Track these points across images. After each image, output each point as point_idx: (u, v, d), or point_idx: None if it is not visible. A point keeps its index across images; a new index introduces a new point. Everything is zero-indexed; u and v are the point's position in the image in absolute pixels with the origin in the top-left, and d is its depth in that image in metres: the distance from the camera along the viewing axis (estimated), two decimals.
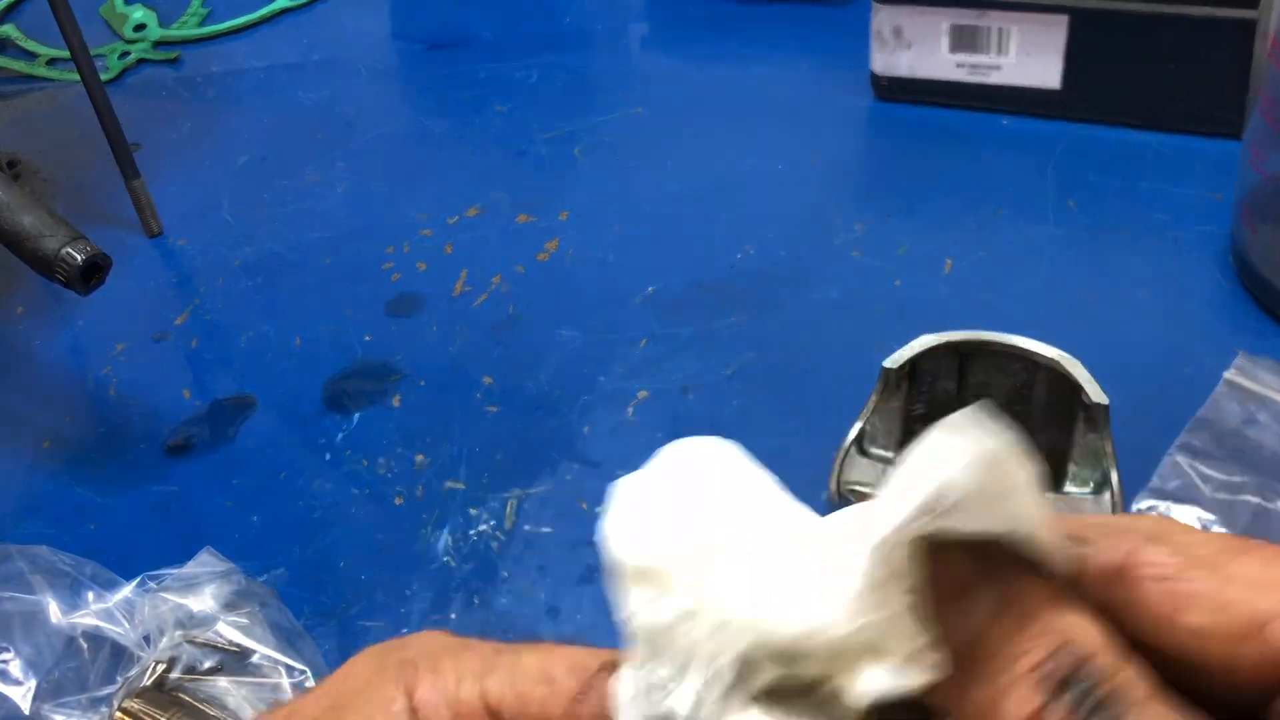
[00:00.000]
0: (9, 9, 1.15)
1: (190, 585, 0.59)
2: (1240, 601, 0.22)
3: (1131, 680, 0.20)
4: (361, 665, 0.31)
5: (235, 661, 0.57)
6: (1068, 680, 0.20)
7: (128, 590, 0.59)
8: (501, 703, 0.30)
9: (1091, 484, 0.54)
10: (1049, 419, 0.55)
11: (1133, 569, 0.23)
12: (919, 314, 0.74)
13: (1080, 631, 0.21)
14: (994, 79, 0.87)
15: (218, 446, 0.72)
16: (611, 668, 0.29)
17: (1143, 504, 0.57)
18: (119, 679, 0.57)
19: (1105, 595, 0.23)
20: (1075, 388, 0.53)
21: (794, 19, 1.02)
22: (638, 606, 0.25)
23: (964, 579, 0.22)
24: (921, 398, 0.56)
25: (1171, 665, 0.23)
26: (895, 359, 0.54)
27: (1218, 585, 0.22)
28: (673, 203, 0.85)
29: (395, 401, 0.73)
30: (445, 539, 0.65)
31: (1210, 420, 0.61)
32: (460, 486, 0.67)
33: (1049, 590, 0.22)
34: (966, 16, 0.85)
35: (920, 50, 0.88)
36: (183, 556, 0.61)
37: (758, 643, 0.23)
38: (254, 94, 1.02)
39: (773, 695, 0.23)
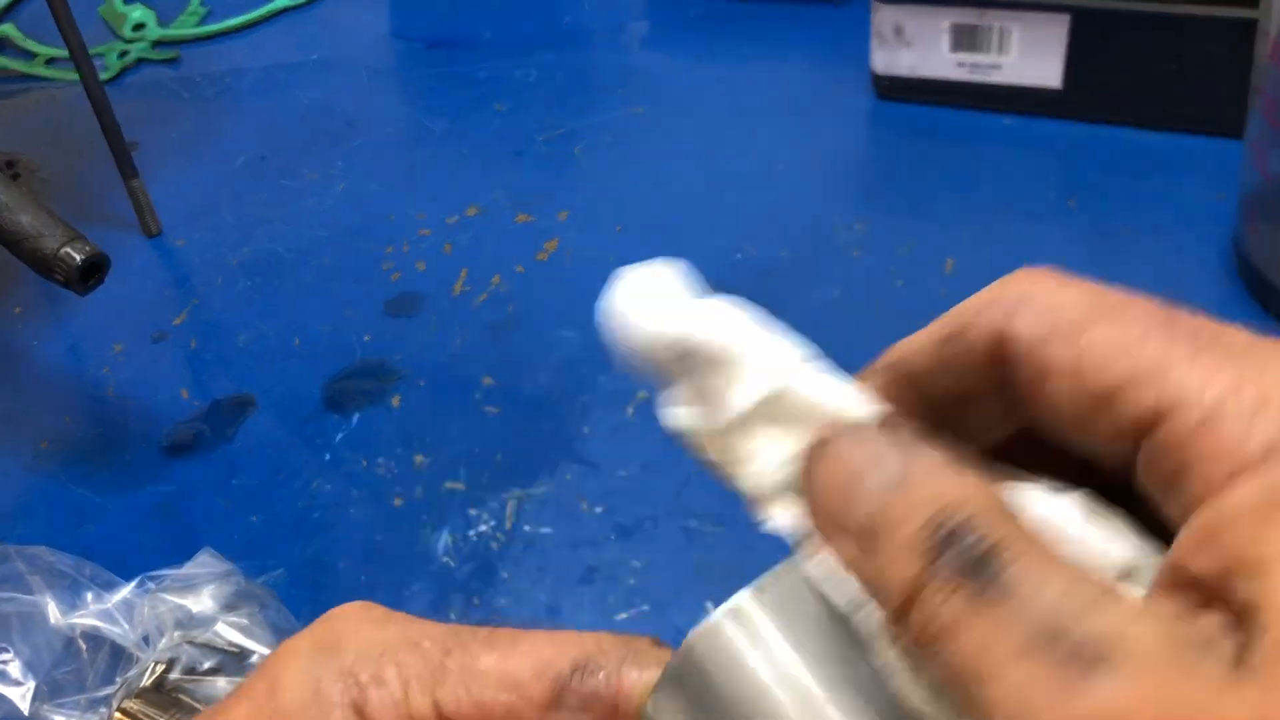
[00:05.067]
0: (8, 8, 1.14)
1: (189, 586, 0.59)
2: (1093, 371, 0.22)
3: (1011, 536, 0.20)
4: (293, 676, 0.28)
5: (234, 662, 0.57)
6: (946, 542, 0.20)
7: (127, 591, 0.59)
8: (458, 714, 0.27)
9: None
10: None
11: (1004, 345, 0.23)
12: (920, 314, 0.74)
13: (963, 493, 0.21)
14: (995, 78, 0.87)
15: (217, 447, 0.71)
16: (583, 668, 0.27)
17: None
18: (118, 680, 0.57)
19: (996, 375, 0.24)
20: None
21: (794, 18, 1.02)
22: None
23: (870, 458, 0.22)
24: None
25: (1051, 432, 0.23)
26: None
27: (1074, 355, 0.22)
28: (673, 202, 0.85)
29: (395, 402, 0.73)
30: (445, 539, 0.64)
31: None
32: (460, 487, 0.67)
33: (935, 460, 0.22)
34: (967, 15, 0.85)
35: (921, 49, 0.88)
36: (182, 557, 0.61)
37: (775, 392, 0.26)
38: (253, 93, 1.02)
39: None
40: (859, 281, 0.77)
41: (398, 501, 0.67)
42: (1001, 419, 0.25)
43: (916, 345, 0.26)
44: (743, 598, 0.24)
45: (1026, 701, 0.18)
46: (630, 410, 0.70)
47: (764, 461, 0.26)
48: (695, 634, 0.24)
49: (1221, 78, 0.81)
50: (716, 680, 0.24)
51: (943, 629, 0.20)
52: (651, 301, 0.27)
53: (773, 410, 0.26)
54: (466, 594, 0.62)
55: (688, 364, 0.27)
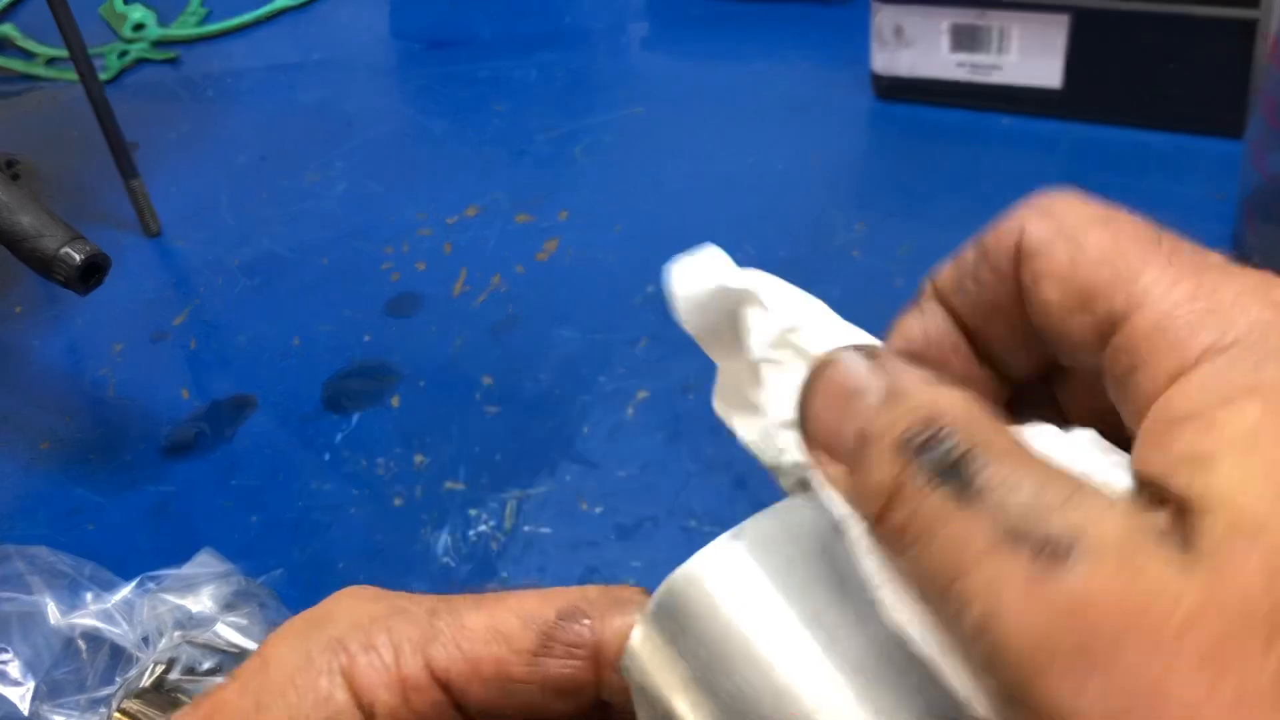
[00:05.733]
0: (8, 8, 1.15)
1: (189, 586, 0.59)
2: (1078, 271, 0.23)
3: (988, 441, 0.21)
4: (284, 651, 0.28)
5: (234, 662, 0.57)
6: (924, 447, 0.21)
7: (126, 591, 0.59)
8: (450, 672, 0.27)
9: None
10: None
11: (1020, 252, 0.25)
12: None
13: (944, 404, 0.22)
14: (995, 78, 0.87)
15: (216, 447, 0.71)
16: (569, 616, 0.27)
17: None
18: (118, 680, 0.57)
19: (1018, 288, 0.25)
20: None
21: (794, 18, 1.02)
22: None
23: (858, 379, 0.24)
24: None
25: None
26: None
27: (1066, 256, 0.23)
28: (673, 203, 0.85)
29: (394, 402, 0.73)
30: (445, 539, 0.64)
31: None
32: (460, 487, 0.67)
33: (920, 376, 0.23)
34: (967, 16, 0.85)
35: (921, 49, 0.88)
36: (181, 557, 0.61)
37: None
38: (253, 94, 1.02)
39: None
40: (858, 281, 0.77)
41: (398, 501, 0.67)
42: (1026, 344, 0.25)
43: (953, 264, 0.27)
44: (721, 540, 0.25)
45: (997, 594, 0.19)
46: (630, 410, 0.70)
47: (777, 397, 0.27)
48: (674, 576, 0.25)
49: (1221, 78, 0.81)
50: (695, 619, 0.25)
51: (919, 529, 0.20)
52: (708, 270, 0.29)
53: (784, 351, 0.28)
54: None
55: (731, 320, 0.29)
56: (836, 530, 0.24)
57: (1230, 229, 0.75)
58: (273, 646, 0.28)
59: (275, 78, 1.03)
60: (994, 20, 0.85)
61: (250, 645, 0.57)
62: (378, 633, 0.28)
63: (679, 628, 0.25)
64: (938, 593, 0.20)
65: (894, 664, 0.23)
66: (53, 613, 0.59)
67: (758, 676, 0.24)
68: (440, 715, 0.28)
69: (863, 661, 0.23)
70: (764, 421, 0.28)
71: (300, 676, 0.27)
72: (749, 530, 0.25)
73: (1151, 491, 0.20)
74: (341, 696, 0.27)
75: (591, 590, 0.28)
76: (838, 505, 0.23)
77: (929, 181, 0.85)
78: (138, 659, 0.57)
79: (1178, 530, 0.19)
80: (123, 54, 1.07)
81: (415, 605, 0.29)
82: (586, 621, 0.27)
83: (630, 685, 0.26)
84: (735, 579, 0.25)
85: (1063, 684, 0.18)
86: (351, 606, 0.29)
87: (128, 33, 1.09)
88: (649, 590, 0.28)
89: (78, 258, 0.66)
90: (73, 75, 0.93)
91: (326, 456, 0.70)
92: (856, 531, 0.23)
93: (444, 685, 0.27)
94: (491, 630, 0.28)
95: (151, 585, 0.59)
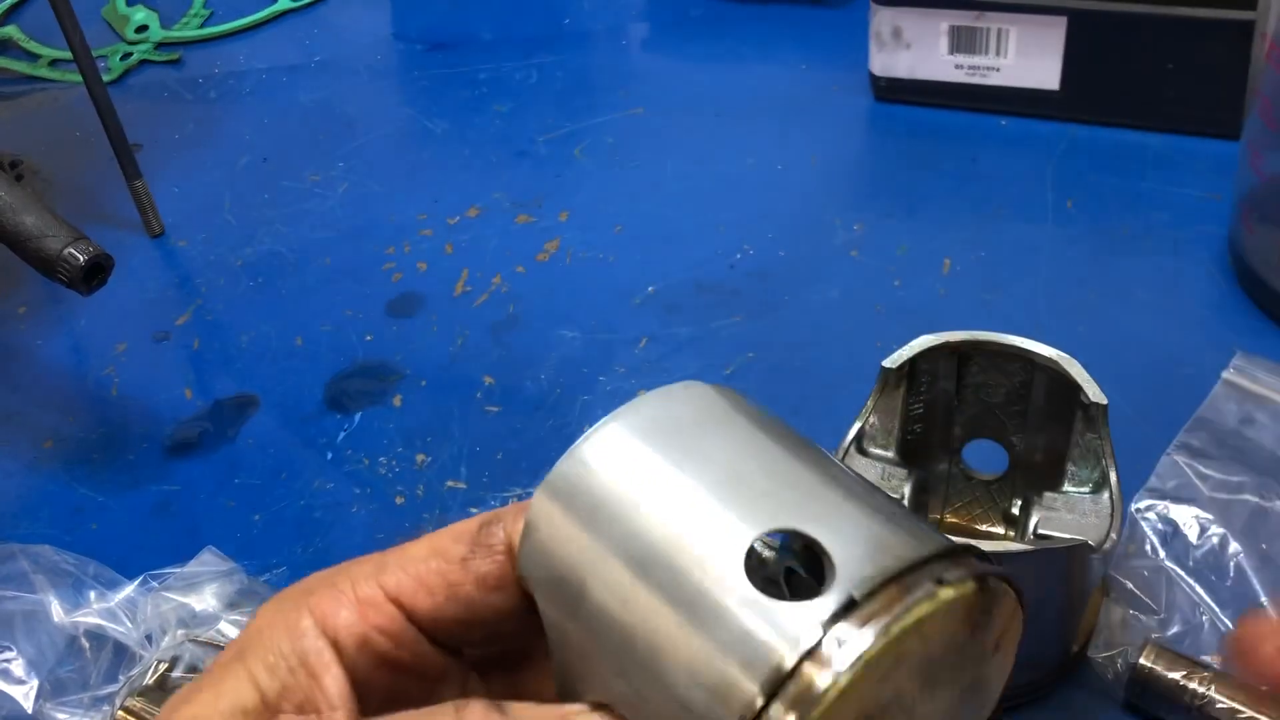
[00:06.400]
0: (11, 10, 1.15)
1: (192, 584, 0.59)
2: None
3: None
4: (261, 612, 0.33)
5: None
6: None
7: (130, 589, 0.60)
8: (400, 590, 0.32)
9: (1090, 484, 0.54)
10: (1047, 419, 0.56)
11: None
12: (918, 314, 0.74)
13: None
14: (993, 80, 0.87)
15: (219, 446, 0.72)
16: (488, 522, 0.32)
17: (1141, 503, 0.57)
18: (121, 678, 0.57)
19: None
20: (1074, 387, 0.53)
21: (793, 20, 1.02)
22: None
23: None
24: (920, 398, 0.56)
25: None
26: (894, 359, 0.55)
27: None
28: (672, 203, 0.86)
29: (396, 401, 0.73)
30: None
31: (1208, 420, 0.61)
32: (461, 486, 0.68)
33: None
34: (965, 18, 0.86)
35: (919, 51, 0.88)
36: (185, 556, 0.61)
37: None
38: (255, 95, 1.02)
39: None
40: (857, 282, 0.77)
41: (399, 500, 0.67)
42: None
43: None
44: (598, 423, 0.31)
45: None
46: None
47: None
48: (559, 461, 0.31)
49: (1218, 79, 0.82)
50: (583, 481, 0.30)
51: None
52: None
53: None
54: None
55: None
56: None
57: (1226, 230, 0.76)
58: (255, 614, 0.33)
59: (277, 79, 1.04)
60: (992, 22, 0.85)
61: None
62: (338, 575, 0.33)
63: (571, 492, 0.30)
64: None
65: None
66: (56, 611, 0.59)
67: (650, 510, 0.29)
68: (396, 629, 0.32)
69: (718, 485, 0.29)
70: None
71: (272, 620, 0.32)
72: (625, 412, 0.31)
73: None
74: (307, 623, 0.32)
75: (505, 508, 0.33)
76: None
77: (927, 182, 0.85)
78: (141, 657, 0.58)
79: None
80: (126, 55, 1.07)
81: (366, 558, 0.34)
82: (499, 525, 0.32)
83: (526, 571, 0.31)
84: (611, 446, 0.30)
85: None
86: (317, 574, 0.34)
87: (130, 34, 1.10)
88: None
89: (81, 258, 0.67)
90: (76, 76, 0.94)
91: (329, 456, 0.70)
92: None
93: (396, 602, 0.32)
94: (430, 549, 0.33)
95: (154, 584, 0.60)
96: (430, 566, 0.32)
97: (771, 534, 0.29)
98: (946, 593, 0.27)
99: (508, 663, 0.35)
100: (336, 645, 0.31)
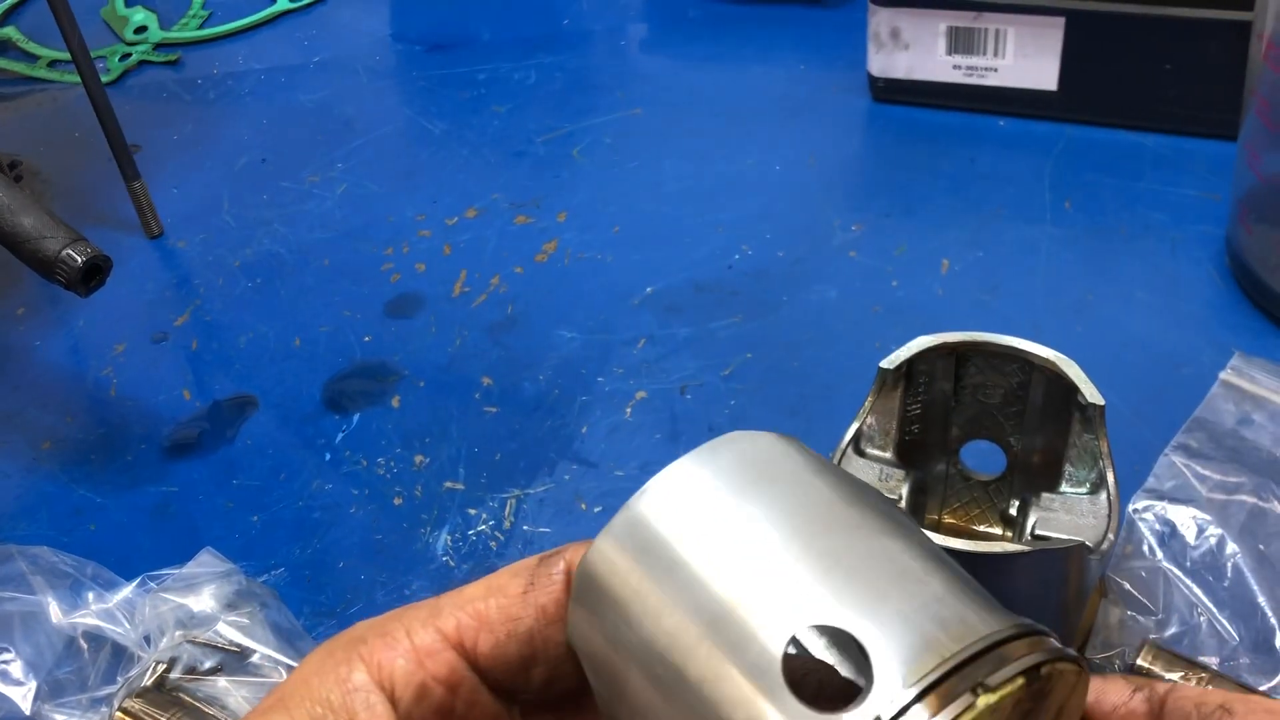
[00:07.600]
0: (10, 11, 1.15)
1: (190, 585, 0.59)
2: None
3: None
4: (308, 660, 0.31)
5: (235, 661, 0.57)
6: None
7: (128, 590, 0.60)
8: (461, 632, 0.31)
9: (1088, 484, 0.54)
10: (1045, 419, 0.56)
11: None
12: (916, 314, 0.74)
13: None
14: (991, 80, 0.87)
15: (217, 447, 0.72)
16: (547, 559, 0.32)
17: (1139, 504, 0.57)
18: (119, 679, 0.57)
19: None
20: (1071, 388, 0.53)
21: (792, 20, 1.02)
22: None
23: None
24: (918, 398, 0.56)
25: None
26: (892, 359, 0.55)
27: None
28: (671, 203, 0.86)
29: (394, 402, 0.73)
30: (444, 539, 0.65)
31: (1206, 420, 0.61)
32: (459, 486, 0.68)
33: None
34: (963, 18, 0.86)
35: (917, 52, 0.88)
36: (183, 557, 0.61)
37: None
38: (254, 95, 1.02)
39: None
40: (856, 282, 0.78)
41: (397, 501, 0.67)
42: None
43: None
44: (670, 466, 0.30)
45: None
46: (628, 410, 0.70)
47: None
48: (601, 535, 0.30)
49: (1215, 80, 0.82)
50: (653, 525, 0.29)
51: None
52: None
53: None
54: None
55: None
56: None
57: (1224, 230, 0.76)
58: (303, 660, 0.32)
59: (276, 79, 1.04)
60: (990, 23, 0.85)
61: (251, 644, 0.57)
62: (390, 622, 0.31)
63: (644, 535, 0.29)
64: None
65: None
66: (54, 612, 0.59)
67: (723, 567, 0.28)
68: (455, 678, 0.31)
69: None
70: None
71: (321, 668, 0.31)
72: (706, 456, 0.30)
73: None
74: (360, 677, 0.30)
75: (567, 544, 0.33)
76: None
77: (925, 183, 0.85)
78: (139, 658, 0.58)
79: None
80: (124, 56, 1.07)
81: (420, 604, 0.32)
82: (560, 558, 0.32)
83: (574, 642, 0.31)
84: (684, 493, 0.30)
85: None
86: (366, 621, 0.32)
87: (129, 35, 1.10)
88: None
89: (79, 259, 0.67)
90: (75, 77, 0.94)
91: (327, 456, 0.70)
92: None
93: (458, 646, 0.31)
94: (487, 588, 0.32)
95: (153, 585, 0.60)
96: (490, 604, 0.31)
97: (813, 626, 0.28)
98: (987, 699, 0.26)
99: (562, 710, 0.34)
100: (392, 697, 0.30)
